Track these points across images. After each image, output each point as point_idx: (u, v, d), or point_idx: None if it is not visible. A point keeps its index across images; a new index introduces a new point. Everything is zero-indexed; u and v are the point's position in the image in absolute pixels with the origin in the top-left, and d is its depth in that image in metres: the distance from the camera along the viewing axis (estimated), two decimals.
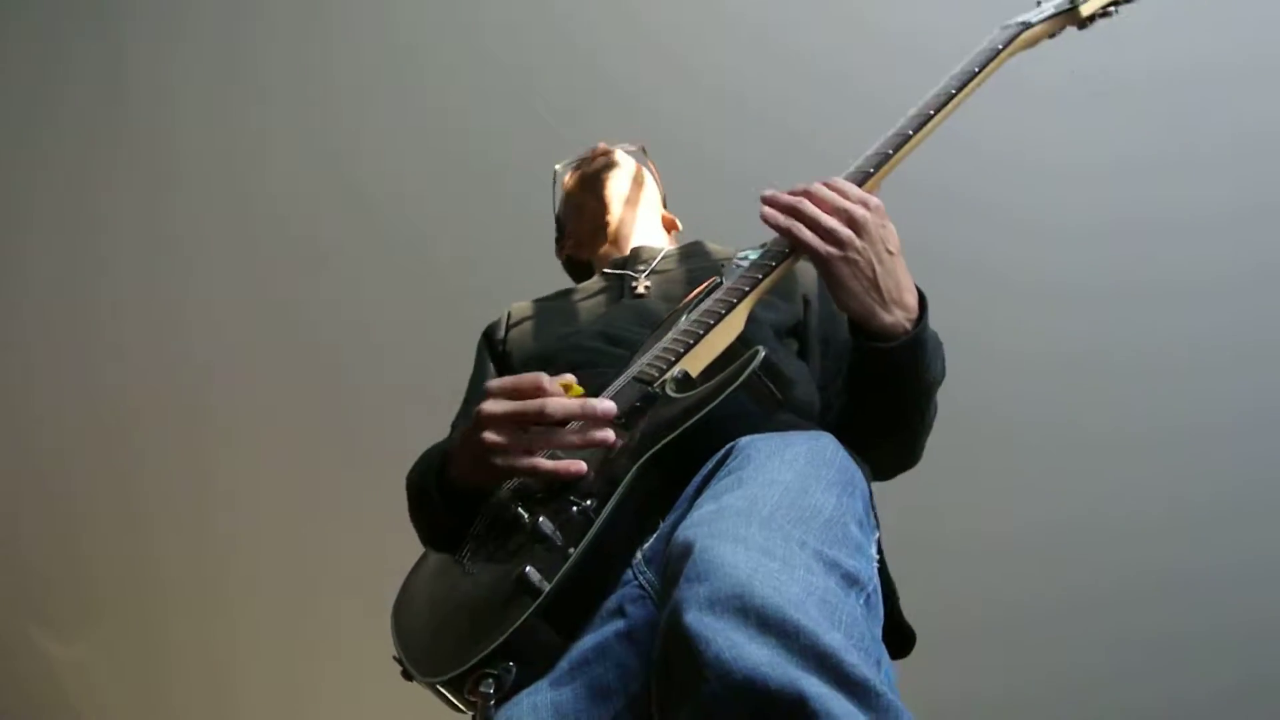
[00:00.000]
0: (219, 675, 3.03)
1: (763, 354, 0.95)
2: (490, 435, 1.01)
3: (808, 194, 1.08)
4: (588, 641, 0.87)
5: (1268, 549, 2.36)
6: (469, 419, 1.41)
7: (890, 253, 1.05)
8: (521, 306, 1.54)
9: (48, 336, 3.02)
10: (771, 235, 1.27)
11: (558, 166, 1.67)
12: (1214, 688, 2.38)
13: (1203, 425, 2.38)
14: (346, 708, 2.91)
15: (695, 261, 1.50)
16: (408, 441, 1.32)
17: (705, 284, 1.27)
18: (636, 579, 0.90)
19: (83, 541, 3.06)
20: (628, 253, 1.54)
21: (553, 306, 1.51)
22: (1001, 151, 2.39)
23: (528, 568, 0.87)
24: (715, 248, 1.54)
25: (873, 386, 1.12)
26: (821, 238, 1.04)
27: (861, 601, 0.79)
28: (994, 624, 2.45)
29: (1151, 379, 2.41)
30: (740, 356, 1.11)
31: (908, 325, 1.06)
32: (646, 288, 1.44)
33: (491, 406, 1.02)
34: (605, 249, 1.58)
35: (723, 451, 0.93)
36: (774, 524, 0.79)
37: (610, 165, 1.58)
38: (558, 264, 1.69)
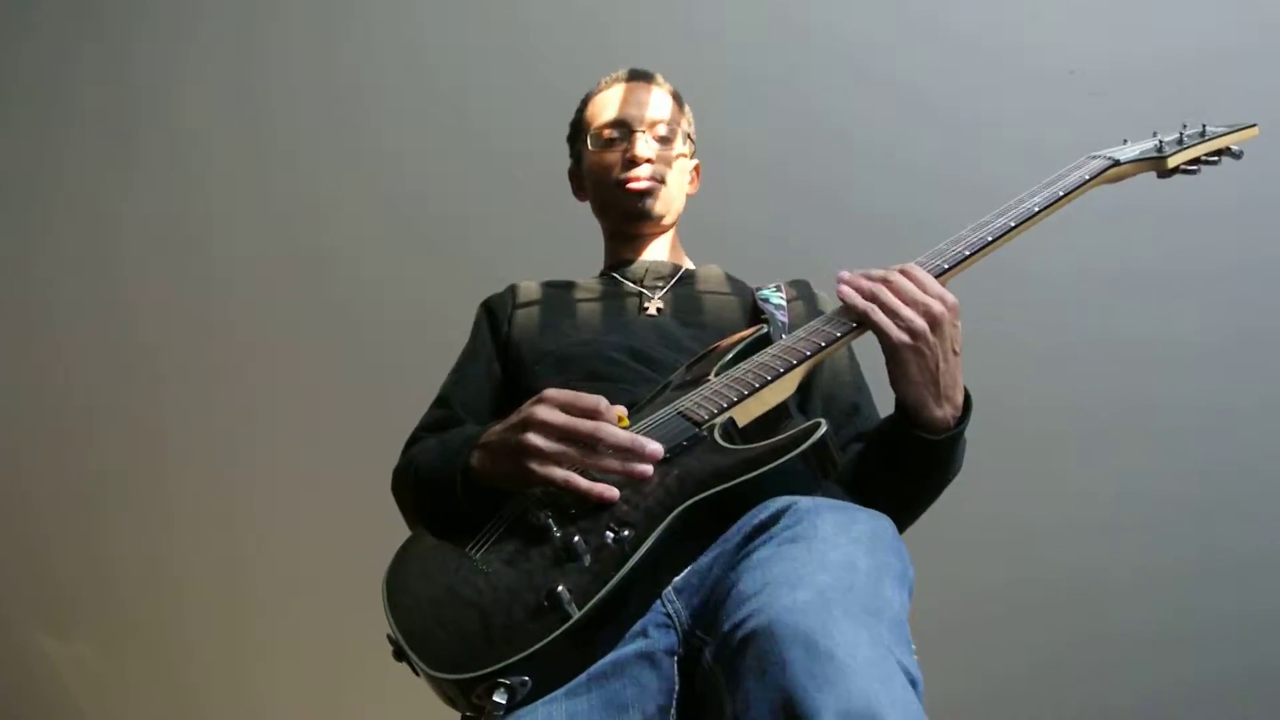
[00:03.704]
0: (228, 676, 3.00)
1: (825, 428, 0.96)
2: (534, 439, 1.01)
3: (887, 281, 1.10)
4: (607, 656, 0.89)
5: (1240, 545, 2.43)
6: (463, 386, 1.40)
7: (955, 353, 1.09)
8: (528, 287, 1.51)
9: (50, 337, 2.98)
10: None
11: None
12: (1186, 682, 2.46)
13: (1176, 420, 2.43)
14: (355, 707, 2.91)
15: (710, 286, 1.51)
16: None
17: (753, 330, 1.29)
18: (664, 606, 0.92)
19: (96, 540, 3.02)
20: (637, 261, 1.53)
21: (561, 299, 1.48)
22: (1009, 137, 2.37)
23: (560, 586, 0.87)
24: (722, 273, 1.54)
25: (900, 469, 1.16)
26: (896, 325, 1.07)
27: (918, 702, 0.80)
28: (963, 619, 2.48)
29: (1114, 372, 2.44)
30: (780, 417, 1.13)
31: (952, 423, 1.11)
32: (660, 309, 1.45)
33: (545, 414, 1.02)
34: (617, 246, 1.57)
35: (780, 505, 0.93)
36: (865, 622, 0.79)
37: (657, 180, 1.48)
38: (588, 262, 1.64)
